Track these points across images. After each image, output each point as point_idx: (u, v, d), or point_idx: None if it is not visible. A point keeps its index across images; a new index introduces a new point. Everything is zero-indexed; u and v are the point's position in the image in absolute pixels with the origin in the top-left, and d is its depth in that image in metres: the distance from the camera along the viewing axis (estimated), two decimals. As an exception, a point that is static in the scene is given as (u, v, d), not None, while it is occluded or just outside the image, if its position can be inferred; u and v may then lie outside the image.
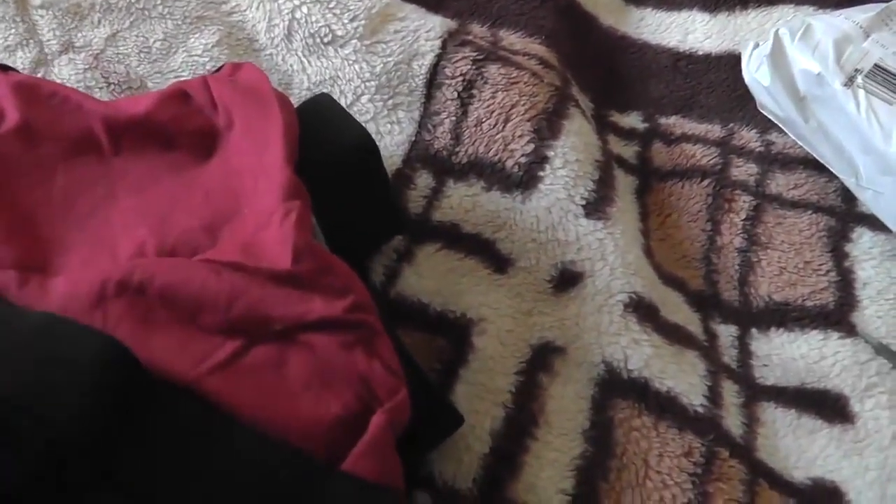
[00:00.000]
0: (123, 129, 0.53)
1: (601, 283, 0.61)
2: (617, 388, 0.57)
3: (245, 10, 0.77)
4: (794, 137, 0.73)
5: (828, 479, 0.56)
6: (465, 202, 0.65)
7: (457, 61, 0.72)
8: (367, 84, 0.71)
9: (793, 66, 0.70)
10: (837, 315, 0.63)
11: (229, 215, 0.49)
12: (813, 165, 0.71)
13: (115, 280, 0.43)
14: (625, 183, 0.71)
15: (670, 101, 0.79)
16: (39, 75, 0.71)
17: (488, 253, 0.63)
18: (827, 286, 0.64)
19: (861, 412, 0.58)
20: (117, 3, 0.77)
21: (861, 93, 0.66)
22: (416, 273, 0.62)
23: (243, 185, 0.50)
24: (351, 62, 0.72)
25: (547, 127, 0.67)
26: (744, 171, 0.72)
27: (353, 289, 0.45)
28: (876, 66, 0.66)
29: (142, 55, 0.74)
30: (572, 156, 0.66)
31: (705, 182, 0.71)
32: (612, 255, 0.62)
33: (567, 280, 0.62)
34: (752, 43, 0.75)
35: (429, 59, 0.72)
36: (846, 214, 0.69)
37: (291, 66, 0.73)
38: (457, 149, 0.68)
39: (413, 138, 0.69)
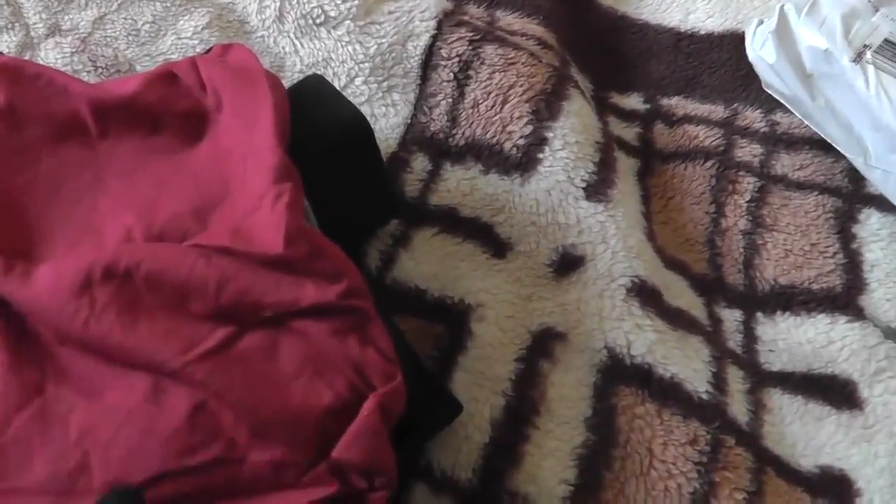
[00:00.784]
0: (110, 111, 0.51)
1: (603, 267, 0.60)
2: (619, 374, 0.56)
3: (236, -9, 0.75)
4: (800, 116, 0.71)
5: (836, 466, 0.55)
6: (462, 185, 0.64)
7: (452, 42, 0.71)
8: (361, 66, 0.69)
9: (799, 43, 0.69)
10: (845, 298, 0.62)
11: (219, 199, 0.48)
12: (819, 145, 0.70)
13: (102, 266, 0.42)
14: (626, 165, 0.70)
15: (672, 81, 0.78)
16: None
17: (487, 237, 0.62)
18: (834, 269, 0.63)
19: (870, 397, 0.57)
20: (105, -16, 0.75)
21: (870, 69, 0.64)
22: (413, 258, 0.61)
23: (233, 168, 0.49)
24: (344, 43, 0.70)
25: (545, 108, 0.66)
26: (748, 151, 0.71)
27: (347, 274, 0.44)
28: (886, 41, 0.65)
29: (130, 38, 0.73)
30: (572, 137, 0.65)
31: (709, 163, 0.70)
32: (613, 238, 0.61)
33: (567, 264, 0.61)
34: (756, 20, 0.74)
35: (424, 40, 0.71)
36: (853, 195, 0.67)
37: (283, 48, 0.72)
38: (454, 131, 0.66)
39: (409, 121, 0.68)
